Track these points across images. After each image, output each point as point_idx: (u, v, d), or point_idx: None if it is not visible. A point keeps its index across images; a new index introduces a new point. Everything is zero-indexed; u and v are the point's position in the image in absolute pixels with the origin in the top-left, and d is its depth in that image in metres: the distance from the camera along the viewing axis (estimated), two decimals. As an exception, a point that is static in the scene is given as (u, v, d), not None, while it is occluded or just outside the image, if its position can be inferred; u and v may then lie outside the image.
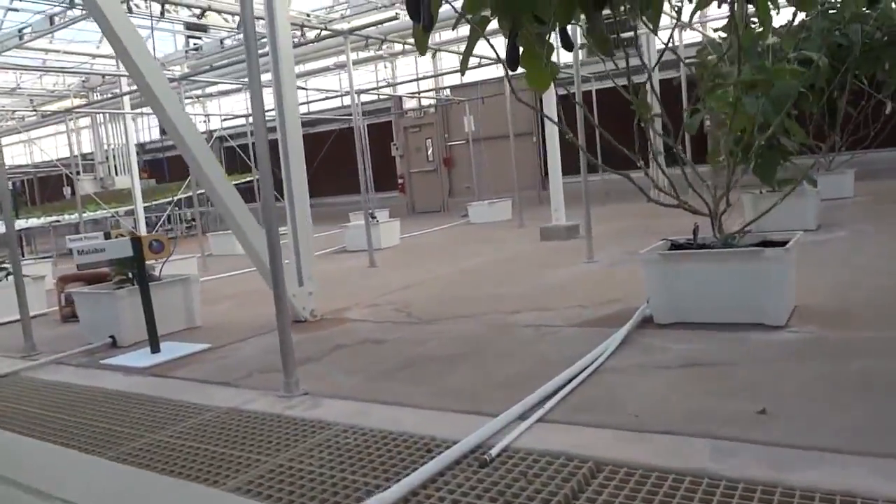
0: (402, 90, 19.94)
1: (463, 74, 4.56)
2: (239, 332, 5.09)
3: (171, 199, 13.76)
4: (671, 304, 3.95)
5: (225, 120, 15.41)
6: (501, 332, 4.30)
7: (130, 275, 5.22)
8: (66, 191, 20.64)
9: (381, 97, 19.87)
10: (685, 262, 3.92)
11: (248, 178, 15.59)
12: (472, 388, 3.26)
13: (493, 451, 2.44)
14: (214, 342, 4.75)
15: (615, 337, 3.69)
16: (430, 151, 19.81)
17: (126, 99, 13.18)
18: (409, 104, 19.93)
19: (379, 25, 12.47)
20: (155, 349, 4.56)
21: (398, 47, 20.34)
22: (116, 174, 19.30)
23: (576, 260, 6.93)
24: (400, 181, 20.50)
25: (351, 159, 21.67)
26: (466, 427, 2.67)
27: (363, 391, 3.37)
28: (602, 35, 3.51)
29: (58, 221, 13.25)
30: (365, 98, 20.26)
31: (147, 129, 24.32)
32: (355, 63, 20.14)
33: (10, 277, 6.79)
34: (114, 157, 19.41)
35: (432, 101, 18.86)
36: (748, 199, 7.75)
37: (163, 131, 25.58)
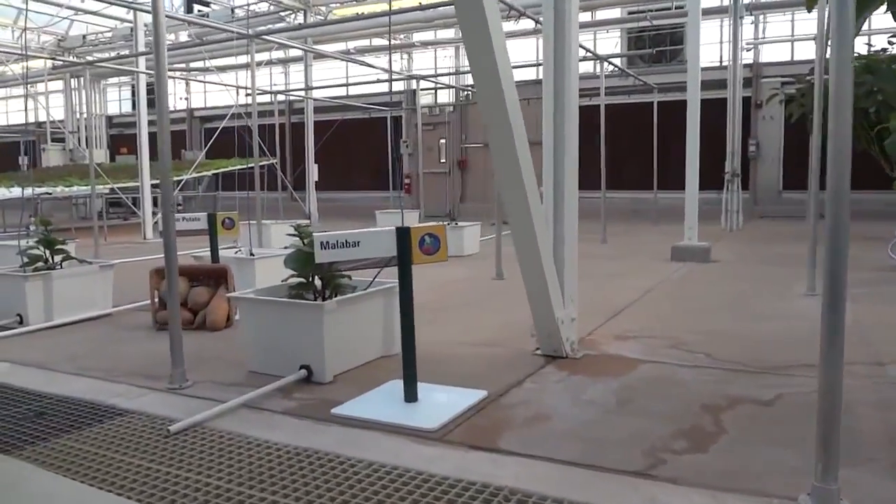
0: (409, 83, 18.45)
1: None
2: (476, 366, 3.60)
3: (181, 177, 11.78)
4: None
5: (245, 95, 13.48)
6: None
7: (315, 280, 3.63)
8: (23, 160, 18.02)
9: (392, 91, 18.37)
10: None
11: (262, 163, 13.64)
12: None
13: None
14: (470, 384, 3.23)
15: None
16: (442, 152, 18.39)
17: (142, 60, 11.13)
18: (425, 100, 18.45)
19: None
20: (411, 396, 3.01)
21: (416, 37, 18.88)
22: (87, 146, 16.91)
23: (788, 288, 5.73)
24: (406, 181, 18.94)
25: (360, 153, 20.09)
26: None
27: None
28: None
29: (48, 194, 11.05)
30: (375, 89, 18.68)
31: (118, 101, 21.82)
32: (364, 51, 18.52)
33: (66, 264, 5.04)
34: (86, 127, 17.02)
35: (457, 97, 17.43)
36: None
37: (135, 105, 23.03)
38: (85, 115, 16.96)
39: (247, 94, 12.94)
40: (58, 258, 5.03)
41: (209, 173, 14.19)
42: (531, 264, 3.44)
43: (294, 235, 3.71)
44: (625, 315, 4.90)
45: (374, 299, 3.71)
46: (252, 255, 5.70)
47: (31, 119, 21.65)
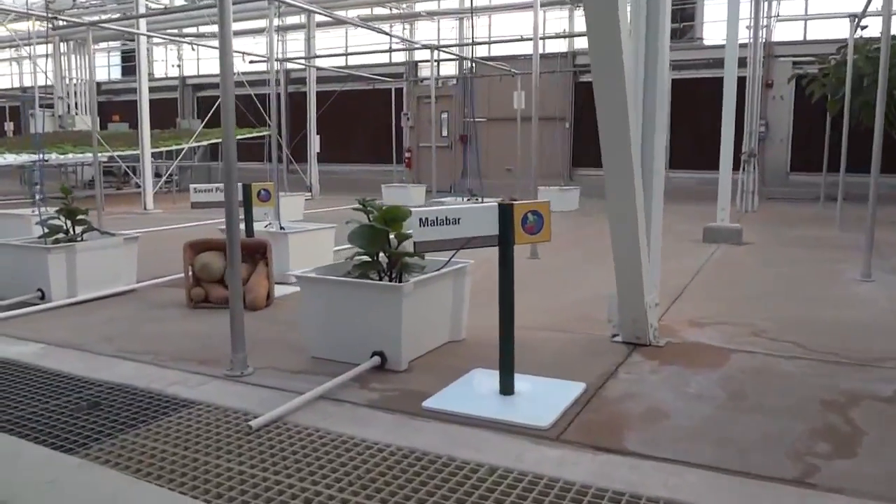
0: (418, 55, 18.03)
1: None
2: (553, 353, 3.35)
3: (181, 146, 11.29)
4: None
5: (252, 62, 12.94)
6: None
7: (381, 258, 3.34)
8: (8, 126, 17.36)
9: (392, 62, 17.91)
10: None
11: (262, 133, 13.25)
12: None
13: None
14: (555, 373, 2.99)
15: None
16: (444, 126, 17.99)
17: (142, 22, 10.59)
18: (425, 72, 17.98)
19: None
20: (507, 388, 2.75)
21: (419, 7, 18.37)
22: (77, 113, 16.28)
23: (838, 273, 5.54)
24: (407, 155, 18.54)
25: (360, 125, 19.58)
26: None
27: None
28: None
29: (45, 160, 10.54)
30: (375, 60, 18.17)
31: (107, 67, 21.03)
32: (367, 19, 17.99)
33: (88, 236, 4.71)
34: (76, 93, 16.36)
35: (460, 69, 16.97)
36: None
37: (125, 71, 22.22)
38: (75, 81, 16.28)
39: (251, 62, 12.47)
40: (79, 229, 4.68)
41: (206, 143, 13.72)
42: (627, 245, 3.18)
43: (359, 210, 3.41)
44: (685, 300, 4.67)
45: (445, 281, 3.44)
46: (282, 228, 5.39)
47: (16, 84, 20.88)
